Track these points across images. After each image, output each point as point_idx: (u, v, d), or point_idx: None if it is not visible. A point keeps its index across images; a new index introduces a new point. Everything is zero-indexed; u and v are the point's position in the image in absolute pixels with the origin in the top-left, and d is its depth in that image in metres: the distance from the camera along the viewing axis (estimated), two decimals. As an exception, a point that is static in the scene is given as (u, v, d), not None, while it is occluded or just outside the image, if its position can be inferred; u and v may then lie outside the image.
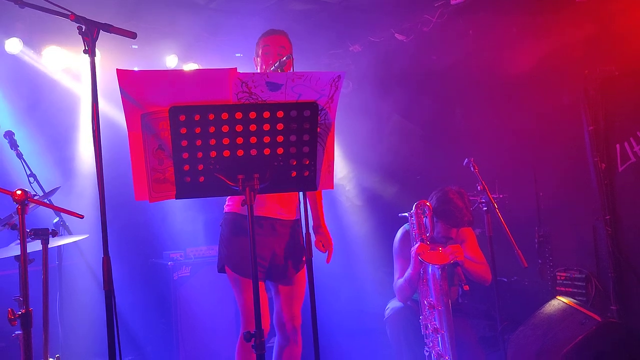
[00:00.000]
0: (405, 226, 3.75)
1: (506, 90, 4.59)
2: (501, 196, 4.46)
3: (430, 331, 3.42)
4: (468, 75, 4.86)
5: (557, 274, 4.31)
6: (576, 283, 4.19)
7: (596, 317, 3.44)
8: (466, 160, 3.50)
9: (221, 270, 3.01)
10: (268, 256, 2.95)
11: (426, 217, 3.62)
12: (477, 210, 3.49)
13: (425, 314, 3.46)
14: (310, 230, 2.57)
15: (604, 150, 4.03)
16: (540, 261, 4.40)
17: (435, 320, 3.40)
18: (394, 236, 3.85)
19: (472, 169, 3.48)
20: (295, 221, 3.09)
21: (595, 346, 3.35)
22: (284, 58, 2.66)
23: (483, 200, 3.38)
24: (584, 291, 4.13)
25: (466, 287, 3.45)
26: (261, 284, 2.87)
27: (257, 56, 3.13)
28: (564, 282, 4.26)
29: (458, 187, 3.73)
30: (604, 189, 4.01)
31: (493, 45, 4.59)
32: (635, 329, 3.65)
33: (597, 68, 4.01)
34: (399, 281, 3.66)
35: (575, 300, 3.73)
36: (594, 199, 4.07)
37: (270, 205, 2.95)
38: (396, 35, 5.09)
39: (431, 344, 3.43)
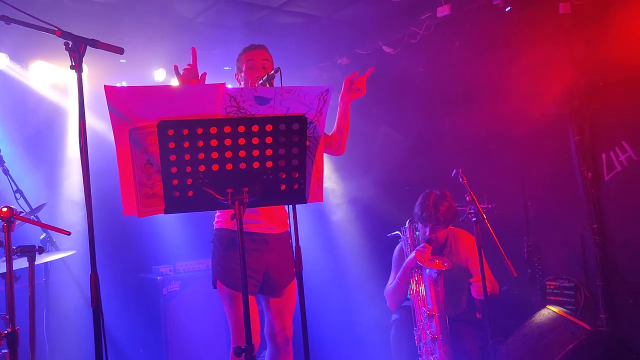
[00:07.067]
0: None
1: (493, 101, 4.62)
2: (490, 206, 4.48)
3: (428, 340, 3.43)
4: (455, 86, 4.90)
5: (547, 283, 4.33)
6: (565, 292, 4.21)
7: (586, 326, 3.45)
8: (455, 171, 3.51)
9: (216, 286, 2.99)
10: (262, 271, 2.94)
11: (418, 231, 3.68)
12: (466, 221, 3.50)
13: (420, 325, 3.46)
14: (300, 244, 2.55)
15: (590, 160, 4.08)
16: (529, 270, 4.42)
17: (432, 327, 3.41)
18: (383, 247, 3.91)
19: (460, 179, 3.48)
20: (286, 232, 3.09)
21: (586, 355, 3.36)
22: (272, 72, 2.62)
23: (472, 211, 3.37)
24: (573, 300, 4.15)
25: (478, 315, 3.49)
26: (252, 298, 2.86)
27: (240, 72, 3.08)
28: (554, 291, 4.27)
29: (443, 190, 3.77)
30: (590, 198, 4.05)
31: (479, 57, 4.63)
32: (624, 338, 3.67)
33: (582, 79, 4.07)
34: (388, 286, 3.82)
35: (565, 310, 3.74)
36: (581, 208, 4.11)
37: (262, 220, 2.94)
38: (384, 47, 5.12)
39: (425, 355, 3.43)
